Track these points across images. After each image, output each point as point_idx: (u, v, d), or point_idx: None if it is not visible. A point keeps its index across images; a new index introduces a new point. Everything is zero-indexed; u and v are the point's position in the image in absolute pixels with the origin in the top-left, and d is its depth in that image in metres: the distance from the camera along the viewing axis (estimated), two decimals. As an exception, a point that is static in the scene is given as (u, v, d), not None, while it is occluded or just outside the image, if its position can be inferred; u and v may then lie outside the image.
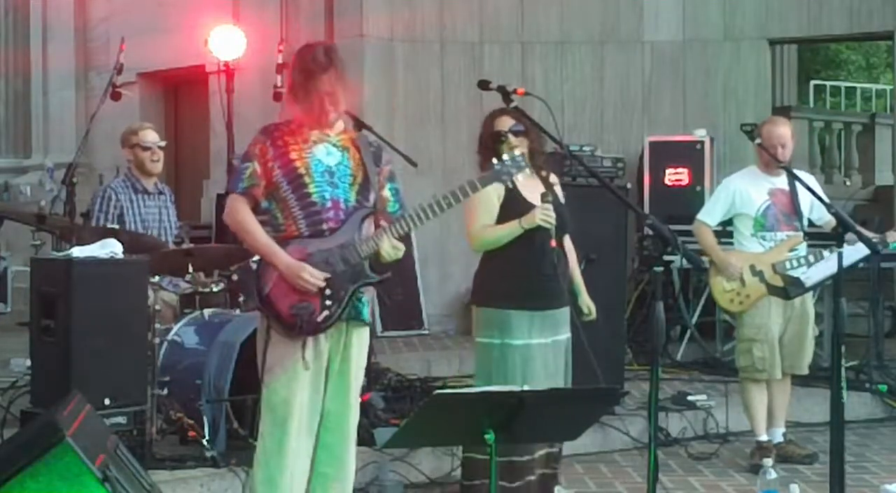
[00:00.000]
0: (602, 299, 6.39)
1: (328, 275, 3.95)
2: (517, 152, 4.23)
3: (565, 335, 4.94)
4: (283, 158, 4.03)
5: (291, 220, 4.03)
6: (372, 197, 4.11)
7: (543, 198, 4.76)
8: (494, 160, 4.19)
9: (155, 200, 6.25)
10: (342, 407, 4.10)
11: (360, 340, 4.14)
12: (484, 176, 4.18)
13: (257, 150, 4.06)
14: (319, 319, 3.96)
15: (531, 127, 4.77)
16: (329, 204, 4.01)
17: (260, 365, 4.07)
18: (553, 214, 4.69)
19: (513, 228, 4.75)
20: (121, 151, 6.40)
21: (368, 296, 4.12)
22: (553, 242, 4.71)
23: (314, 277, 3.93)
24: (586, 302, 5.11)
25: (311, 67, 4.01)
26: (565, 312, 4.95)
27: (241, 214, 4.05)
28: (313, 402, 4.03)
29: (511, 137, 4.85)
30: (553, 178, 4.94)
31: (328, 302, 3.96)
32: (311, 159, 4.03)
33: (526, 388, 3.41)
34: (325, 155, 4.06)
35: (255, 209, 4.08)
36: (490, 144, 4.86)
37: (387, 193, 4.19)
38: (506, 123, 4.85)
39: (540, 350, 4.82)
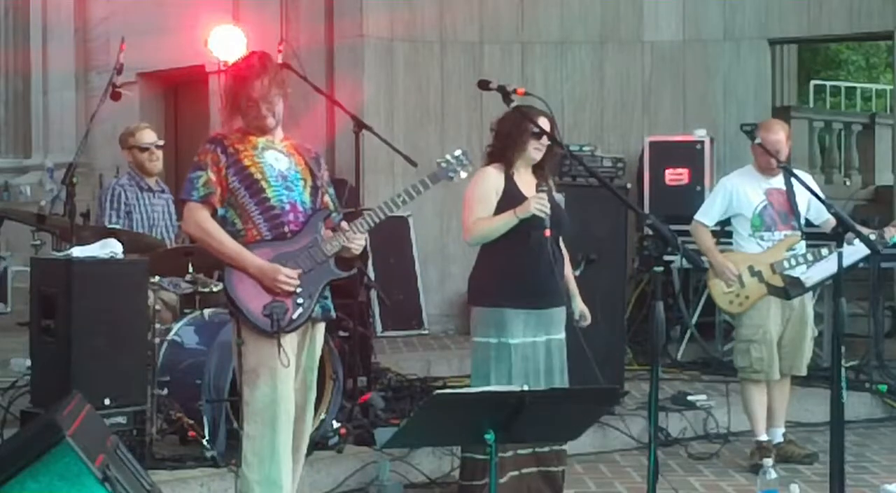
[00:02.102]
0: (602, 299, 6.43)
1: (300, 273, 4.07)
2: (458, 151, 4.39)
3: (560, 335, 4.93)
4: (236, 165, 4.11)
5: (252, 224, 4.11)
6: (320, 200, 4.25)
7: (538, 188, 4.77)
8: (438, 159, 4.35)
9: (159, 197, 6.28)
10: (307, 399, 4.25)
11: (321, 334, 4.31)
12: (433, 173, 4.32)
13: (209, 158, 4.13)
14: (294, 316, 4.06)
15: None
16: (288, 207, 4.12)
17: (237, 369, 4.17)
18: (547, 204, 4.69)
19: (508, 219, 4.75)
20: (121, 151, 6.42)
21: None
22: (547, 232, 4.70)
23: (290, 277, 4.03)
24: (580, 308, 5.10)
25: (243, 74, 4.09)
26: (561, 311, 4.94)
27: (204, 221, 4.13)
28: (291, 398, 4.13)
29: (546, 139, 4.85)
30: (551, 183, 4.94)
31: (300, 300, 4.07)
32: (263, 164, 4.12)
33: (526, 388, 3.41)
34: (275, 160, 4.16)
35: (213, 216, 4.15)
36: (520, 138, 4.84)
37: (327, 198, 4.31)
38: (547, 125, 4.82)
39: (536, 349, 4.82)
